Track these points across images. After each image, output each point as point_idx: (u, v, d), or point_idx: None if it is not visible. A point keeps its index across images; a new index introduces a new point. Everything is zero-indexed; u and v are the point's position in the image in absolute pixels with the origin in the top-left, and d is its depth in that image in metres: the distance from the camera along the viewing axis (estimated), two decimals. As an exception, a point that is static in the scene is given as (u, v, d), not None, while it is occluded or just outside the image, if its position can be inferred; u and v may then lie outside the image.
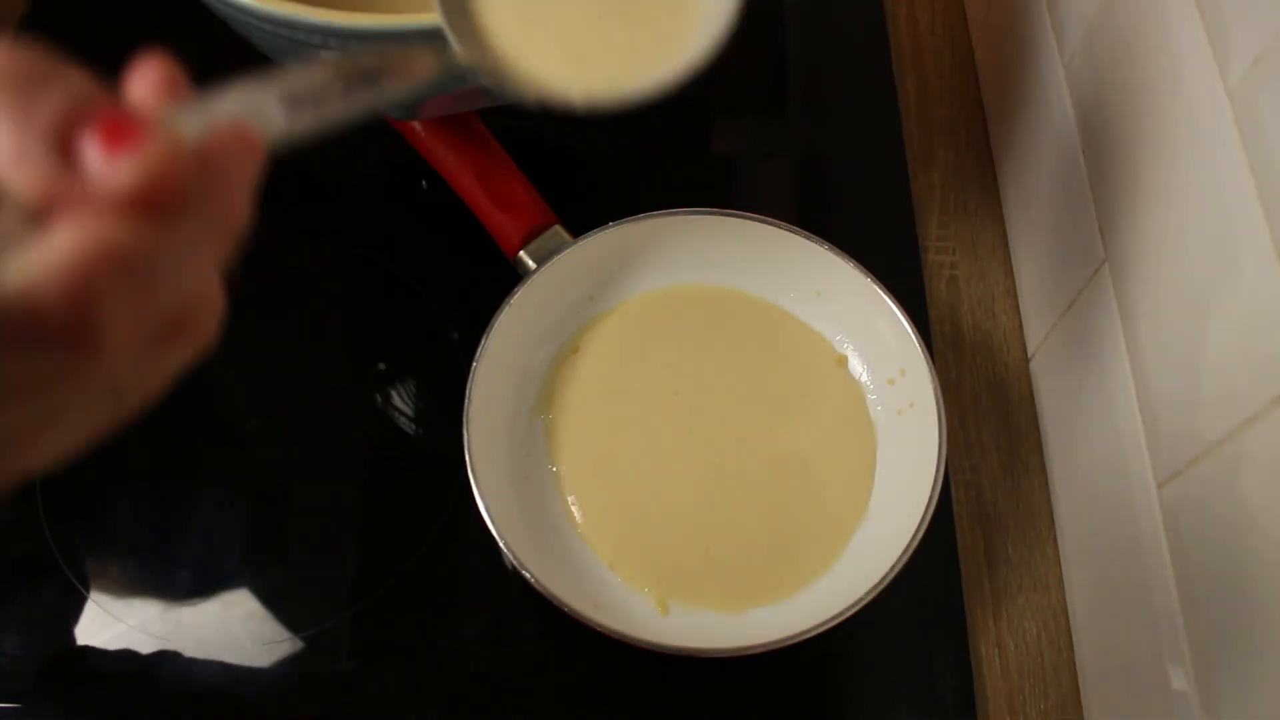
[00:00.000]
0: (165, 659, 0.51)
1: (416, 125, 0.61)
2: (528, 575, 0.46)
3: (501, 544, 0.47)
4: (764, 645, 0.46)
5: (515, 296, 0.54)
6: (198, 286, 0.20)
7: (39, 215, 0.17)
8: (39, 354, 0.18)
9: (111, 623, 0.51)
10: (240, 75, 0.22)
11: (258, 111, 0.22)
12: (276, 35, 0.47)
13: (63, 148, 0.17)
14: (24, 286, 0.17)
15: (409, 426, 0.58)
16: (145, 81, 0.20)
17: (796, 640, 0.46)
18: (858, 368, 0.57)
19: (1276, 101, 0.37)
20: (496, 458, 0.51)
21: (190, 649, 0.51)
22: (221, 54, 0.70)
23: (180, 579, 0.53)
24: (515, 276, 0.56)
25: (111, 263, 0.17)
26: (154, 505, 0.55)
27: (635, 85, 0.33)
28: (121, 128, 0.18)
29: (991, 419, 0.59)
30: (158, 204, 0.18)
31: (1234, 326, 0.40)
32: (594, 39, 0.33)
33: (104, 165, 0.17)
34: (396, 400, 0.60)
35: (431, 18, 0.43)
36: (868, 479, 0.54)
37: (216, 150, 0.20)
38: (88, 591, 0.52)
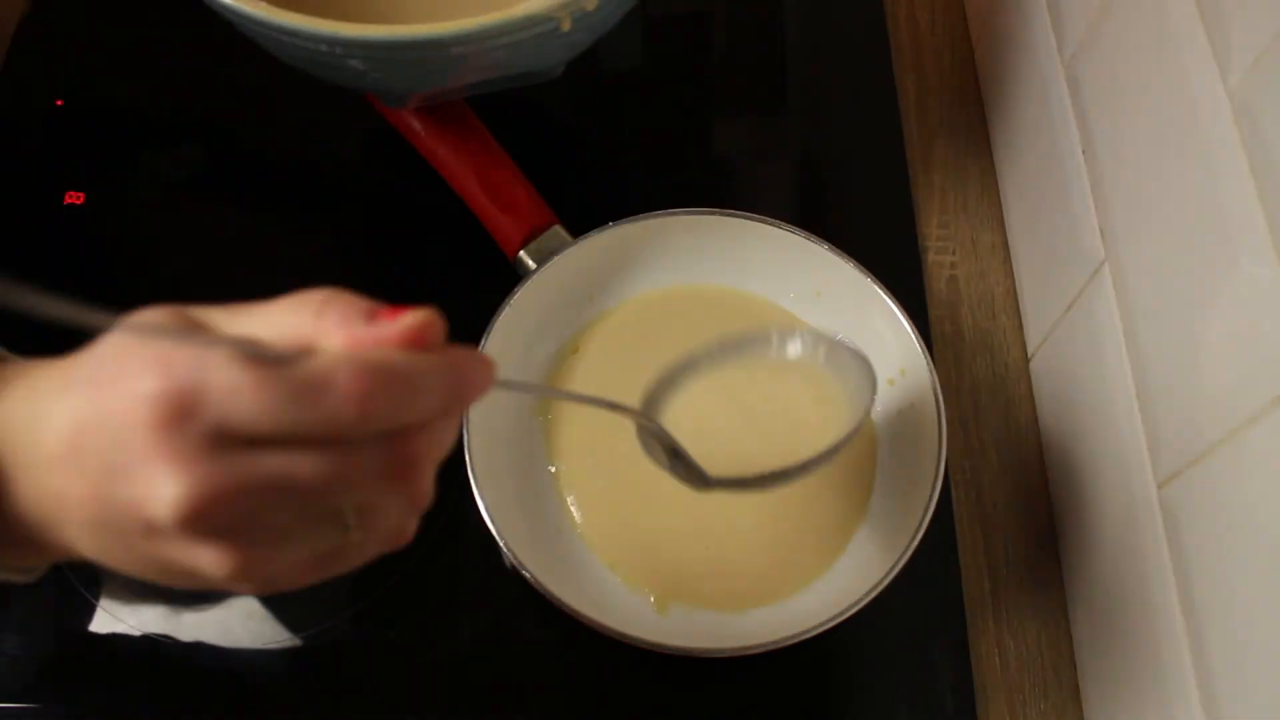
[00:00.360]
0: (166, 659, 0.51)
1: (416, 125, 0.61)
2: (527, 575, 0.46)
3: (501, 544, 0.47)
4: (764, 645, 0.46)
5: (515, 296, 0.54)
6: (427, 451, 0.27)
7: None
8: (324, 432, 0.25)
9: (112, 623, 0.51)
10: None
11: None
12: (282, 42, 0.48)
13: (370, 313, 0.26)
14: (328, 363, 0.25)
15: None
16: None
17: (796, 640, 0.46)
18: (858, 368, 0.57)
19: (1276, 101, 0.37)
20: (496, 458, 0.51)
21: (191, 649, 0.51)
22: (221, 54, 0.70)
23: (180, 579, 0.53)
24: (515, 276, 0.56)
25: (383, 371, 0.25)
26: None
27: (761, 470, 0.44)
28: (400, 308, 0.26)
29: (991, 419, 0.59)
30: (418, 342, 0.26)
31: (1234, 326, 0.40)
32: (735, 448, 0.47)
33: (386, 323, 0.26)
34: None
35: (428, 28, 0.47)
36: (868, 479, 0.54)
37: (465, 358, 0.27)
38: (88, 591, 0.52)
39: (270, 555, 0.26)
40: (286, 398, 0.24)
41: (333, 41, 0.47)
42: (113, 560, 0.27)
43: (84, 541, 0.27)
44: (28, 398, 0.27)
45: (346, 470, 0.25)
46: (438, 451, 0.27)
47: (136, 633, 0.51)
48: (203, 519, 0.24)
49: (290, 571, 0.27)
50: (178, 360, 0.24)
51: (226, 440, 0.24)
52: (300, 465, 0.25)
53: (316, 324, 0.26)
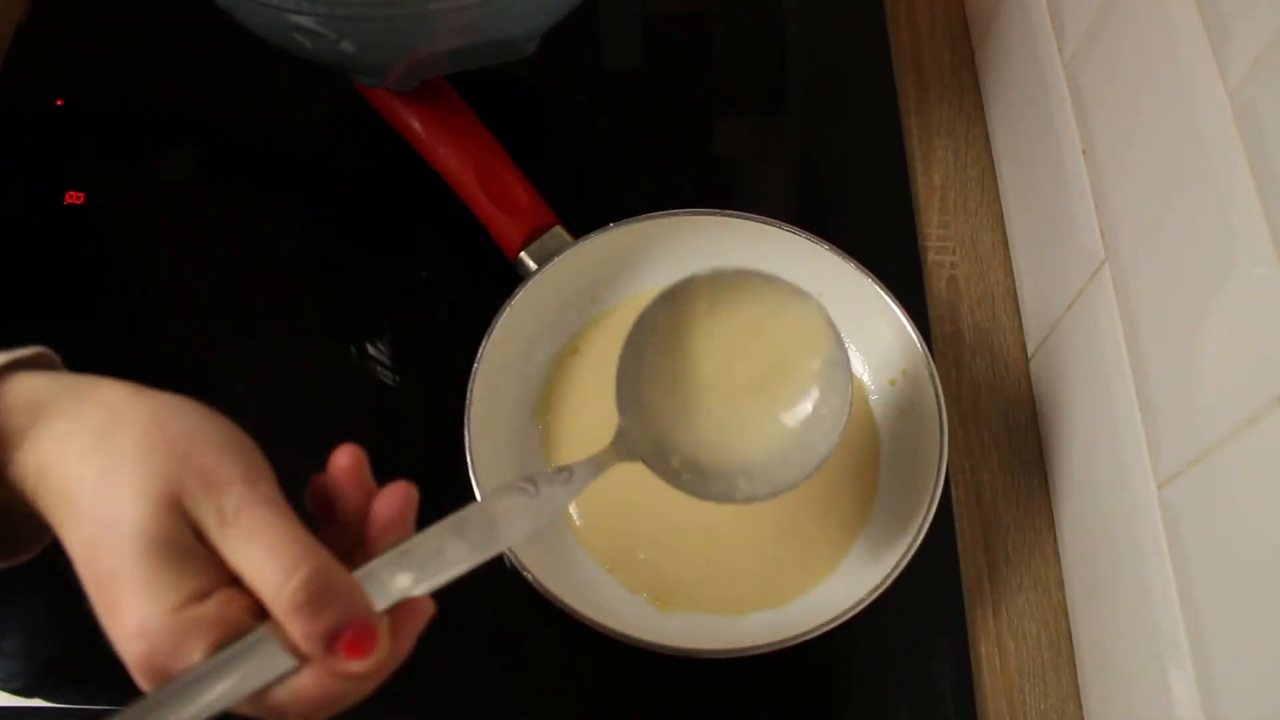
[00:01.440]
0: (166, 659, 0.51)
1: (416, 125, 0.61)
2: (529, 576, 0.46)
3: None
4: (765, 646, 0.46)
5: (516, 298, 0.54)
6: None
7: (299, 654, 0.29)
8: None
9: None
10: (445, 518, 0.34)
11: (444, 552, 0.33)
12: (263, 5, 0.49)
13: (330, 640, 0.29)
14: (283, 701, 0.29)
15: (410, 427, 0.58)
16: (387, 508, 0.32)
17: (797, 641, 0.46)
18: (859, 368, 0.57)
19: (1276, 101, 0.37)
20: (497, 459, 0.51)
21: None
22: (221, 54, 0.70)
23: (181, 579, 0.53)
24: (516, 277, 0.56)
25: (329, 700, 0.29)
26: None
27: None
28: (363, 640, 0.29)
29: (991, 419, 0.59)
30: (368, 679, 0.30)
31: (1234, 326, 0.40)
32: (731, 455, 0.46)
33: (347, 662, 0.29)
34: (398, 401, 0.60)
35: None
36: (872, 480, 0.54)
37: (406, 621, 0.31)
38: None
39: None
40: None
41: None
42: None
43: None
44: (60, 456, 0.30)
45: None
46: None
47: (137, 633, 0.51)
48: (147, 678, 0.29)
49: None
50: (159, 640, 0.28)
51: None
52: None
53: (288, 599, 0.28)
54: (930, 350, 0.53)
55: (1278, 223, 0.37)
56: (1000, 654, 0.53)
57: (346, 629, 0.29)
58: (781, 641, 0.46)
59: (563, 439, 0.55)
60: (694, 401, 0.46)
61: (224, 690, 0.28)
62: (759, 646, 0.46)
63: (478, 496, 0.48)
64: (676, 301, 0.45)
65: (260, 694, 0.29)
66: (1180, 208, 0.44)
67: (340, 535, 0.33)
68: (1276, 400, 0.36)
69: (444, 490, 0.55)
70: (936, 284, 0.63)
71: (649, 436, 0.44)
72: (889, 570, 0.47)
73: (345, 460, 0.33)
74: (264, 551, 0.29)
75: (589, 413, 0.56)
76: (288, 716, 0.30)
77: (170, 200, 0.66)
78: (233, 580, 0.29)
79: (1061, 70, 0.57)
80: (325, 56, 0.53)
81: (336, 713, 0.30)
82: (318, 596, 0.28)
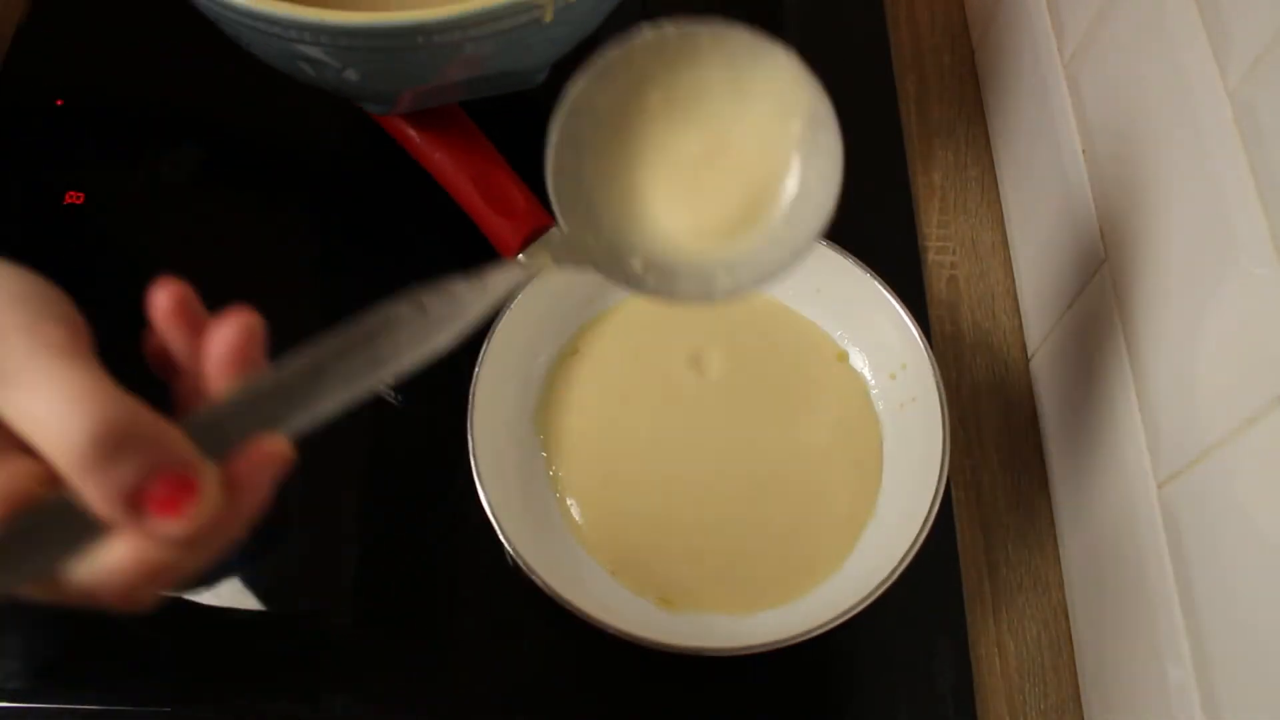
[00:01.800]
0: (163, 660, 0.51)
1: (411, 131, 0.61)
2: (535, 579, 0.46)
3: (508, 548, 0.47)
4: (767, 645, 0.46)
5: (515, 301, 0.54)
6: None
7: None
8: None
9: (109, 621, 0.51)
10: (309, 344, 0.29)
11: (303, 389, 0.27)
12: (266, 34, 0.48)
13: (133, 499, 0.24)
14: (92, 581, 0.25)
15: (410, 431, 0.58)
16: (221, 342, 0.27)
17: (799, 640, 0.46)
18: (859, 363, 0.57)
19: (1276, 101, 0.37)
20: (500, 463, 0.51)
21: (188, 649, 0.51)
22: (222, 54, 0.70)
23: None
24: (515, 278, 0.56)
25: (151, 572, 0.25)
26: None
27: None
28: (176, 495, 0.24)
29: (991, 419, 0.59)
30: (194, 542, 0.25)
31: (1233, 326, 0.40)
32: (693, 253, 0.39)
33: (159, 521, 0.24)
34: (398, 404, 0.60)
35: (416, 14, 0.46)
36: (875, 476, 0.54)
37: (247, 470, 0.26)
38: (88, 592, 0.52)
39: None
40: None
41: (317, 30, 0.46)
42: None
43: None
44: None
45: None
46: (235, 535, 0.28)
47: (133, 630, 0.51)
48: None
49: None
50: None
51: None
52: None
53: (79, 455, 0.23)
54: (930, 347, 0.53)
55: (1278, 223, 0.37)
56: (1000, 654, 0.53)
57: (153, 482, 0.24)
58: (784, 641, 0.46)
59: (564, 440, 0.55)
60: (654, 190, 0.39)
61: (4, 575, 0.23)
62: (762, 646, 0.46)
63: (483, 501, 0.48)
64: (616, 78, 0.37)
65: (58, 575, 0.24)
66: (1180, 208, 0.44)
67: (183, 388, 0.28)
68: (1276, 400, 0.36)
69: (446, 494, 0.55)
70: (936, 284, 0.63)
71: (601, 240, 0.37)
72: (891, 569, 0.47)
73: (164, 301, 0.28)
74: (49, 406, 0.24)
75: (590, 413, 0.56)
76: (100, 598, 0.25)
77: (170, 200, 0.66)
78: (25, 451, 0.24)
79: (1061, 70, 0.57)
80: (331, 84, 0.53)
81: (168, 588, 0.26)
82: (114, 447, 0.23)
